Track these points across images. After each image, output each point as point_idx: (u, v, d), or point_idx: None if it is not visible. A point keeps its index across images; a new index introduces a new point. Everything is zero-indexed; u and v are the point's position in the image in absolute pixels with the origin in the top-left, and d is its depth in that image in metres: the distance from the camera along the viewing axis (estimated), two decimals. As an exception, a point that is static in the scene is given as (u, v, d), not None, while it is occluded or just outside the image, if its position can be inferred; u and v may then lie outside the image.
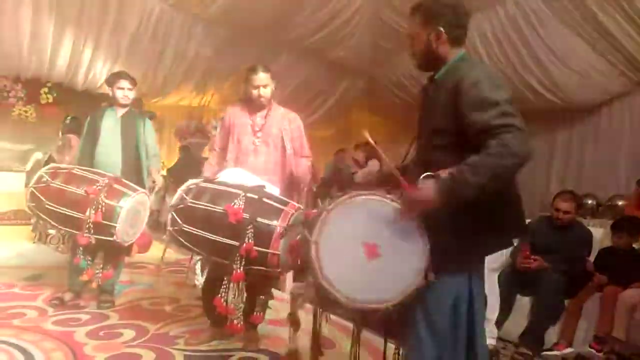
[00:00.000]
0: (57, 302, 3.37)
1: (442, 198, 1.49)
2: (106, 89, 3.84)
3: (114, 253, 3.44)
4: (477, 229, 1.57)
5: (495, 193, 1.51)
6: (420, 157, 1.77)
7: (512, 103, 1.54)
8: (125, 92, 3.50)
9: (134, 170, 3.50)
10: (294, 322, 2.21)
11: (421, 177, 1.59)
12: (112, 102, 3.57)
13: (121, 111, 3.55)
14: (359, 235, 1.58)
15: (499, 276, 3.37)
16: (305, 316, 2.24)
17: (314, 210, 2.31)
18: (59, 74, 7.62)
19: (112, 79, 3.60)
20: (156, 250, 5.26)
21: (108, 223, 3.05)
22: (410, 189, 1.55)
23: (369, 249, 1.56)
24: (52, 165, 3.63)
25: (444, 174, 1.56)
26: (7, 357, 2.50)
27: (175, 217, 2.50)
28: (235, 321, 2.51)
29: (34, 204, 3.19)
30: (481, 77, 1.56)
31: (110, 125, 3.50)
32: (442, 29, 1.67)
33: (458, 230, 1.55)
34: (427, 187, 1.53)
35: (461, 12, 1.72)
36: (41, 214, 3.21)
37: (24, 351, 2.59)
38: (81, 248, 3.14)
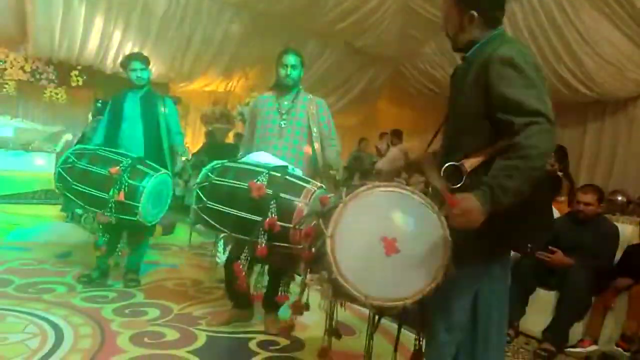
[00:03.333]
0: (85, 280, 3.47)
1: (485, 208, 1.42)
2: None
3: (137, 233, 3.52)
4: (506, 219, 1.47)
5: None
6: (446, 143, 1.69)
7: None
8: (138, 73, 3.52)
9: (156, 150, 3.53)
10: (297, 307, 2.13)
11: (443, 167, 1.53)
12: (131, 85, 3.59)
13: (141, 92, 3.59)
14: (377, 230, 1.48)
15: (514, 267, 3.29)
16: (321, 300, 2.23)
17: (329, 196, 2.28)
18: (89, 57, 7.76)
19: (125, 62, 3.62)
20: (181, 233, 5.36)
21: (131, 203, 3.12)
22: (453, 203, 1.43)
23: (387, 244, 1.46)
24: (78, 146, 3.72)
25: (467, 163, 1.51)
26: (38, 330, 2.60)
27: (200, 194, 2.52)
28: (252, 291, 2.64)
29: (61, 184, 3.29)
30: (515, 53, 1.48)
31: (131, 107, 3.54)
32: (475, 13, 1.58)
33: (484, 223, 1.45)
34: (468, 199, 1.43)
35: None
36: (68, 194, 3.30)
37: (53, 325, 2.68)
38: (101, 226, 3.27)
